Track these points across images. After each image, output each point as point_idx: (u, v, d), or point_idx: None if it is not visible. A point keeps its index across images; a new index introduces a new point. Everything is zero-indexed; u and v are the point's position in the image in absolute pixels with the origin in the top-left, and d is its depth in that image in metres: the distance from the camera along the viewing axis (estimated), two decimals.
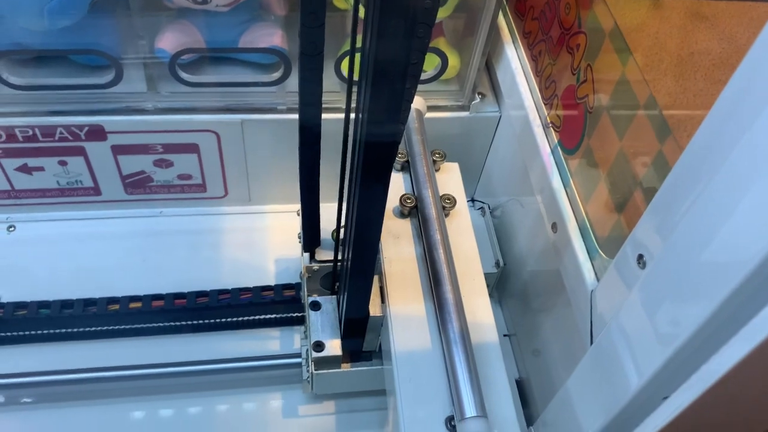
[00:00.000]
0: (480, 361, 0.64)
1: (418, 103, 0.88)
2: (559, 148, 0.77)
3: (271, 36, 0.92)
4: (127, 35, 0.88)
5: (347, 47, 0.93)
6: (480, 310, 0.70)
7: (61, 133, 0.93)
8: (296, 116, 0.66)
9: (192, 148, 0.99)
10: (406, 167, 0.83)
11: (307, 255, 0.84)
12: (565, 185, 0.75)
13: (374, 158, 0.52)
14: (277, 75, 0.93)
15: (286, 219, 1.08)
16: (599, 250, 0.67)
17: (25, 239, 1.03)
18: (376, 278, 0.72)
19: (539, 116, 0.84)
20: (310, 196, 0.76)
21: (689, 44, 0.56)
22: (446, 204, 0.78)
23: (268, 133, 0.98)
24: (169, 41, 0.88)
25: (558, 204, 0.74)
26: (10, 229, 1.04)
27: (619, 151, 0.63)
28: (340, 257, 0.78)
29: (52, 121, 0.91)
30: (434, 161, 0.83)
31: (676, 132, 0.55)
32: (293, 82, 0.93)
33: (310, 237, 0.83)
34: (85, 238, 1.04)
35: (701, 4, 0.57)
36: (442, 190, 0.80)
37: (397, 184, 0.81)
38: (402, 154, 0.83)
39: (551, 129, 0.80)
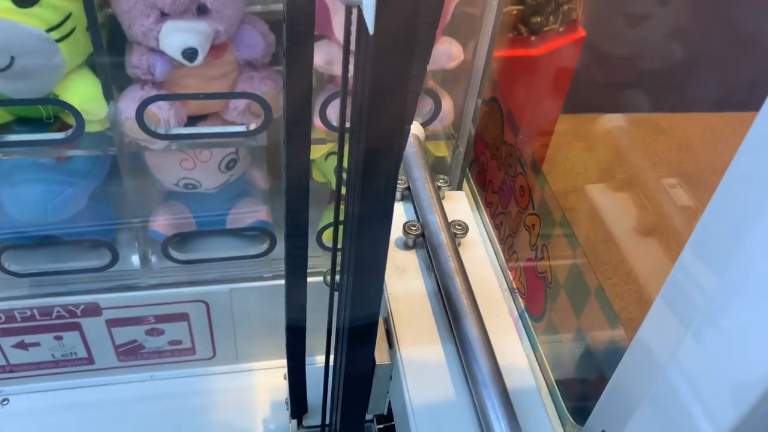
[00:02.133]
0: (518, 413, 0.53)
1: (415, 128, 0.79)
2: (525, 314, 0.84)
3: (257, 212, 1.00)
4: (122, 220, 0.95)
5: (328, 219, 1.01)
6: (511, 351, 0.59)
7: (58, 311, 0.98)
8: (283, 282, 0.71)
9: (182, 317, 1.04)
10: (407, 196, 0.73)
11: (294, 421, 0.88)
12: (534, 350, 0.81)
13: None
14: (263, 247, 1.00)
15: (274, 376, 1.12)
16: (569, 418, 0.72)
17: (18, 412, 1.06)
18: (380, 320, 0.62)
19: (505, 280, 0.90)
20: (296, 364, 0.80)
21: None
22: (457, 231, 0.68)
23: (256, 299, 1.03)
24: (162, 223, 0.96)
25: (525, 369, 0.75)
26: (4, 402, 1.06)
27: (577, 327, 0.70)
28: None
29: (50, 301, 0.96)
30: (439, 188, 0.74)
31: (624, 321, 0.61)
32: (279, 251, 1.00)
33: (298, 403, 0.87)
34: (78, 407, 1.07)
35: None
36: (451, 218, 0.70)
37: (398, 214, 0.72)
38: (402, 180, 0.74)
39: (517, 294, 0.87)
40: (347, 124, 0.47)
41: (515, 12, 1.00)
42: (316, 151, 0.92)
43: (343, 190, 0.52)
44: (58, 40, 0.72)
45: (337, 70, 0.82)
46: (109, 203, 0.95)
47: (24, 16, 0.69)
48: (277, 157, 0.97)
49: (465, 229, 0.69)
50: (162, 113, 0.81)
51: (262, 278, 1.02)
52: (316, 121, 0.85)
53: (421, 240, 0.69)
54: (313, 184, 1.00)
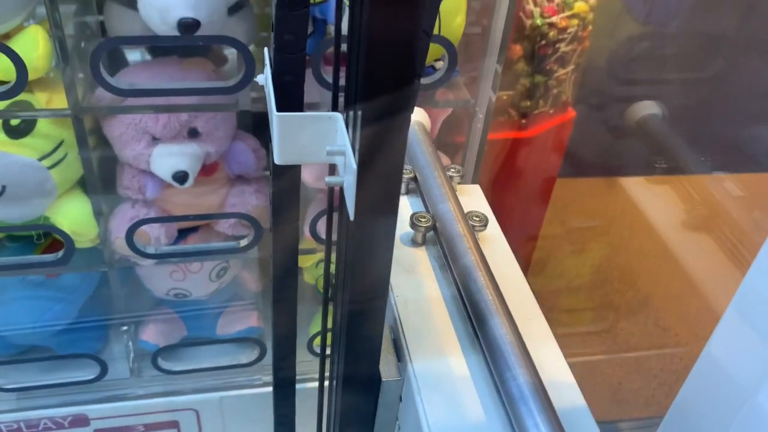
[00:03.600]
0: None
1: (419, 115, 0.68)
2: None
3: (247, 318, 1.00)
4: (111, 331, 0.94)
5: (318, 326, 1.00)
6: (550, 361, 0.48)
7: (45, 424, 0.96)
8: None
9: (172, 425, 1.02)
10: (412, 189, 0.64)
11: None
12: None
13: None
14: (254, 354, 0.99)
15: None
16: None
17: None
18: (386, 328, 0.51)
19: None
20: None
21: None
22: (475, 222, 0.58)
23: (247, 406, 1.02)
24: (152, 333, 0.95)
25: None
26: None
27: None
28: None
29: (37, 414, 0.95)
30: (450, 178, 0.63)
31: None
32: (269, 360, 0.99)
33: None
34: None
35: None
36: (466, 209, 0.59)
37: (404, 207, 0.62)
38: (407, 169, 0.64)
39: None
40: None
41: (505, 97, 1.02)
42: (306, 261, 0.92)
43: None
44: (50, 167, 0.73)
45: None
46: (98, 315, 0.94)
47: (17, 147, 0.70)
48: (268, 259, 0.97)
49: (484, 220, 0.58)
50: (152, 231, 0.81)
51: (253, 385, 1.01)
52: (306, 233, 0.85)
53: (432, 235, 0.58)
54: (303, 284, 1.00)
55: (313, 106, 0.76)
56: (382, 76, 0.33)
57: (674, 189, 0.99)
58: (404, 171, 0.63)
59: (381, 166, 0.36)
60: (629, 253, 1.02)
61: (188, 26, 0.64)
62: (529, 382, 0.42)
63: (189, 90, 0.69)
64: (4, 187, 0.71)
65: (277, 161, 0.41)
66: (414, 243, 0.59)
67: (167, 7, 0.64)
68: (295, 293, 0.62)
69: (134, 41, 0.72)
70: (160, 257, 0.81)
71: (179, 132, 0.75)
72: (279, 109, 0.41)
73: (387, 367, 0.50)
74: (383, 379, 0.49)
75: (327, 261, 0.54)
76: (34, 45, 0.66)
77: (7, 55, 0.62)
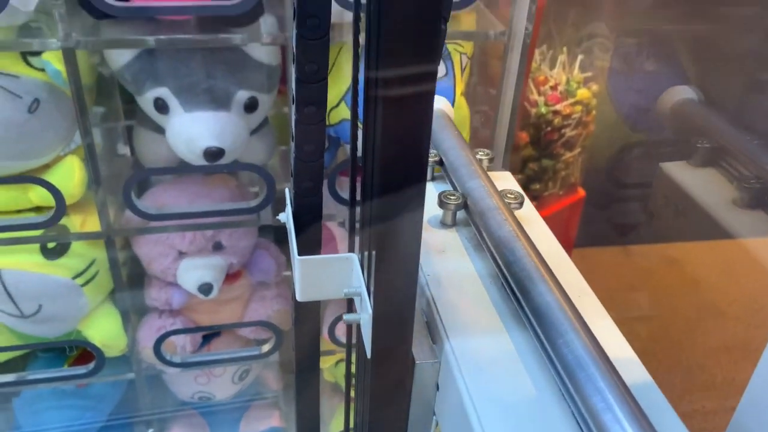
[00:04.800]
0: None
1: (441, 103, 0.64)
2: None
3: (269, 417, 1.02)
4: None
5: (340, 425, 1.02)
6: (607, 337, 0.42)
7: None
8: None
9: None
10: (438, 175, 0.59)
11: None
12: None
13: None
14: None
15: None
16: None
17: None
18: (417, 312, 0.46)
19: None
20: None
21: None
22: (510, 200, 0.52)
23: None
24: None
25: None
26: None
27: None
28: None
29: None
30: (480, 160, 0.57)
31: None
32: None
33: None
34: None
35: None
36: (499, 188, 0.53)
37: (430, 191, 0.56)
38: (432, 153, 0.58)
39: None
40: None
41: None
42: (325, 362, 0.95)
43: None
44: (83, 285, 0.77)
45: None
46: (124, 415, 0.97)
47: (52, 267, 0.75)
48: (289, 360, 1.00)
49: (519, 198, 0.52)
50: (178, 339, 0.85)
51: None
52: (325, 335, 0.88)
53: (463, 217, 0.53)
54: (323, 383, 1.02)
55: (328, 217, 0.81)
56: (393, 218, 0.36)
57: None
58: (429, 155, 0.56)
59: (395, 308, 0.39)
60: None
61: (214, 155, 0.69)
62: (585, 348, 0.36)
63: (213, 212, 0.73)
64: (40, 306, 0.75)
65: (298, 299, 0.45)
66: (443, 225, 0.53)
67: (194, 138, 0.69)
68: (318, 396, 0.65)
69: (163, 172, 0.78)
70: (186, 366, 0.85)
71: (204, 246, 0.80)
72: (300, 253, 0.44)
73: (421, 349, 0.44)
74: (417, 362, 0.43)
75: (348, 363, 0.57)
76: (70, 175, 0.72)
77: (48, 190, 0.67)
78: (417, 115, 0.33)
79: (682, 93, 0.96)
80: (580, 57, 1.06)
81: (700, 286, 0.98)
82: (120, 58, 0.68)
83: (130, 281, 0.82)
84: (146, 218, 0.72)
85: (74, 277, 0.76)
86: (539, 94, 1.00)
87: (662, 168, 0.93)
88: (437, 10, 0.30)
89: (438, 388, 0.44)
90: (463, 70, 0.77)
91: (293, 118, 0.45)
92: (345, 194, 0.77)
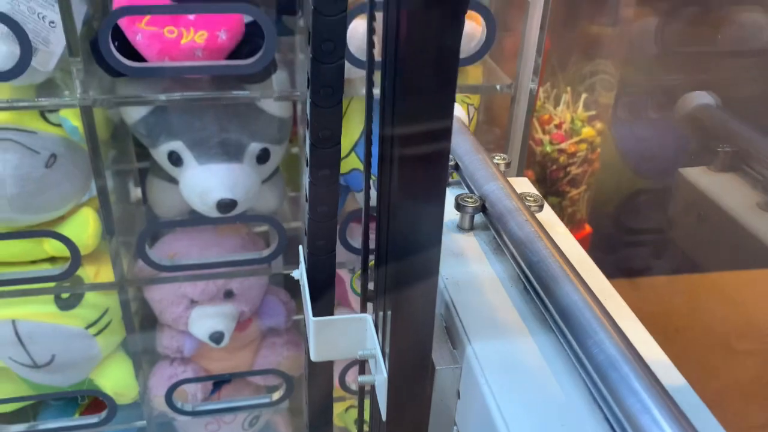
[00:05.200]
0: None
1: (455, 110, 0.60)
2: None
3: None
4: None
5: None
6: (637, 339, 0.37)
7: None
8: None
9: None
10: (454, 181, 0.57)
11: None
12: None
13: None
14: None
15: None
16: None
17: None
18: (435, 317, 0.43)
19: None
20: None
21: None
22: (530, 203, 0.51)
23: None
24: None
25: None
26: None
27: None
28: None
29: None
30: (496, 165, 0.56)
31: None
32: None
33: None
34: None
35: None
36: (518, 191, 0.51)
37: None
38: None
39: None
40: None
41: None
42: (336, 408, 0.95)
43: None
44: (96, 334, 0.78)
45: None
46: None
47: (66, 318, 0.76)
48: (298, 405, 1.00)
49: (539, 201, 0.51)
50: (189, 387, 0.85)
51: None
52: (335, 382, 0.88)
53: (480, 220, 0.52)
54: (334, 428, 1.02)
55: (339, 265, 0.81)
56: (408, 272, 0.36)
57: None
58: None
59: (411, 371, 0.40)
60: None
61: (227, 206, 0.70)
62: (618, 347, 0.34)
63: (225, 263, 0.74)
64: (53, 356, 0.76)
65: (313, 359, 0.45)
66: (461, 229, 0.51)
67: (207, 190, 0.70)
68: None
69: (176, 225, 0.79)
70: (197, 414, 0.85)
71: (216, 295, 0.80)
72: (314, 313, 0.45)
73: (441, 354, 0.42)
74: (437, 368, 0.41)
75: (360, 410, 0.57)
76: (85, 226, 0.73)
77: (63, 243, 0.68)
78: (433, 171, 0.33)
79: (699, 98, 0.96)
80: (583, 96, 1.08)
81: (713, 318, 0.98)
82: (135, 113, 0.70)
83: (142, 329, 0.83)
84: (159, 269, 0.72)
85: (87, 327, 0.77)
86: (544, 132, 1.01)
87: (682, 174, 0.92)
88: (454, 70, 0.31)
89: (459, 396, 0.42)
90: (470, 121, 0.78)
91: (307, 180, 0.46)
92: (355, 242, 0.78)
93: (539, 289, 0.41)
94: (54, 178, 0.69)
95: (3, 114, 0.66)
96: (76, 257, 0.70)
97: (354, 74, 0.68)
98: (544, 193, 1.07)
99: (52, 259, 0.76)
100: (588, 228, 1.11)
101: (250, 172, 0.73)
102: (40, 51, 0.61)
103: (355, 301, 0.85)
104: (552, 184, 1.04)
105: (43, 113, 0.69)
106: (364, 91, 0.43)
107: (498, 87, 0.71)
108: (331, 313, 0.48)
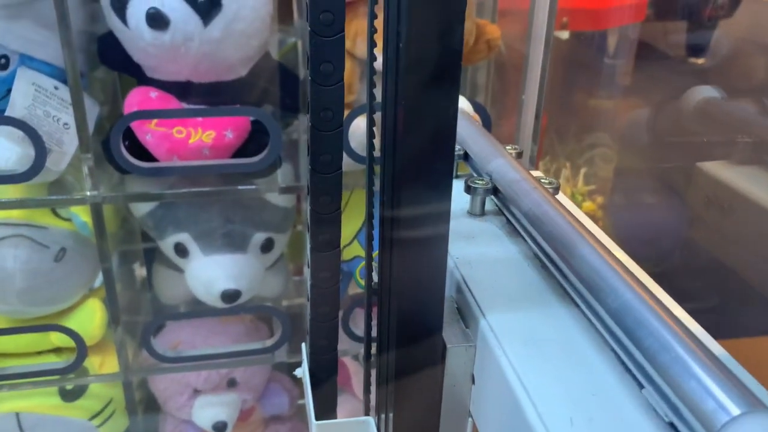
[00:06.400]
0: None
1: (461, 103, 0.61)
2: None
3: None
4: None
5: None
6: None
7: None
8: None
9: None
10: (461, 173, 0.53)
11: None
12: None
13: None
14: None
15: None
16: None
17: None
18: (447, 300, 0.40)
19: None
20: None
21: None
22: (547, 185, 0.46)
23: None
24: None
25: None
26: None
27: None
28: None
29: None
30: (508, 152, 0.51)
31: None
32: None
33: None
34: None
35: None
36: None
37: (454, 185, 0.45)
38: (456, 148, 0.51)
39: None
40: None
41: None
42: None
43: None
44: (99, 425, 0.77)
45: None
46: None
47: (70, 410, 0.76)
48: None
49: (555, 184, 0.47)
50: None
51: None
52: None
53: (493, 206, 0.48)
54: None
55: (342, 353, 0.82)
56: (411, 384, 0.37)
57: None
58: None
59: None
60: None
61: (231, 297, 0.71)
62: (644, 302, 0.30)
63: (229, 353, 0.75)
64: None
65: None
66: (471, 215, 0.48)
67: (212, 281, 0.71)
68: None
69: (181, 317, 0.80)
70: None
71: (219, 383, 0.80)
72: (317, 415, 0.45)
73: (452, 332, 0.38)
74: (448, 346, 0.37)
75: None
76: (91, 318, 0.74)
77: (69, 336, 0.69)
78: (432, 256, 0.34)
79: (705, 92, 0.96)
80: (583, 170, 1.10)
81: None
82: (143, 206, 0.72)
83: (145, 418, 0.82)
84: (163, 361, 0.73)
85: (91, 418, 0.77)
86: None
87: (701, 168, 0.91)
88: (450, 161, 0.32)
89: (474, 381, 0.38)
90: None
91: (309, 282, 0.47)
92: (358, 330, 0.78)
93: (557, 261, 0.37)
94: (62, 272, 0.70)
95: (15, 210, 0.68)
96: (82, 350, 0.70)
97: (353, 167, 0.70)
98: None
99: (57, 350, 0.76)
100: None
101: (254, 262, 0.74)
102: (53, 152, 0.64)
103: (358, 386, 0.85)
104: None
105: (54, 209, 0.71)
106: (364, 182, 0.43)
107: None
108: (335, 409, 0.49)
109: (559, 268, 0.37)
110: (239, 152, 0.68)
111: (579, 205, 1.06)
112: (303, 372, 0.52)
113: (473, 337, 0.37)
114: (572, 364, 0.32)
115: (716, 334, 0.34)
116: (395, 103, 0.32)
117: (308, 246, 0.45)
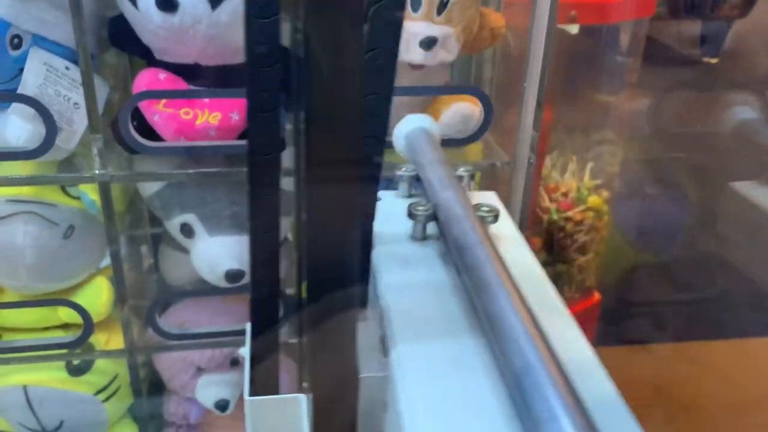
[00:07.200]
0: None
1: (427, 123, 0.58)
2: None
3: None
4: None
5: None
6: (573, 349, 0.38)
7: None
8: None
9: None
10: (415, 193, 0.55)
11: None
12: None
13: None
14: None
15: None
16: None
17: None
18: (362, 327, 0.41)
19: None
20: None
21: None
22: (484, 213, 0.47)
23: None
24: None
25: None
26: None
27: None
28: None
29: None
30: (459, 177, 0.53)
31: None
32: None
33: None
34: None
35: None
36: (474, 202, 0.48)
37: (400, 207, 0.52)
38: (409, 168, 0.55)
39: None
40: None
41: None
42: None
43: None
44: (104, 400, 0.79)
45: None
46: None
47: (76, 384, 0.77)
48: None
49: (494, 212, 0.47)
50: None
51: None
52: None
53: (434, 230, 0.49)
54: None
55: None
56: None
57: None
58: (406, 169, 0.55)
59: None
60: None
61: (234, 276, 0.72)
62: (538, 355, 0.31)
63: (233, 332, 0.76)
64: (61, 422, 0.77)
65: None
66: (413, 239, 0.49)
67: (216, 261, 0.73)
68: None
69: (187, 295, 0.81)
70: None
71: (222, 362, 0.82)
72: (252, 394, 0.46)
73: (367, 361, 0.40)
74: (360, 375, 0.39)
75: None
76: (98, 295, 0.75)
77: (77, 311, 0.71)
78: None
79: (743, 113, 0.96)
80: (590, 165, 1.10)
81: (729, 382, 0.97)
82: (151, 187, 0.73)
83: (149, 395, 0.84)
84: (168, 338, 0.74)
85: (96, 393, 0.78)
86: (551, 201, 1.03)
87: (731, 187, 0.91)
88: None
89: (387, 407, 0.39)
90: (473, 184, 0.81)
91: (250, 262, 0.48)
92: None
93: (473, 294, 0.38)
94: (71, 249, 0.72)
95: (25, 187, 0.70)
96: (88, 325, 0.72)
97: None
98: (552, 261, 1.09)
99: (65, 325, 0.78)
100: (597, 295, 1.12)
101: None
102: (63, 130, 0.65)
103: None
104: (560, 251, 1.05)
105: (63, 187, 0.72)
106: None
107: (498, 164, 0.74)
108: (276, 387, 0.50)
109: (472, 301, 0.38)
110: (245, 134, 0.69)
111: (584, 200, 1.06)
112: (246, 351, 0.53)
113: (388, 366, 0.38)
114: (465, 403, 0.33)
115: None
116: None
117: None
